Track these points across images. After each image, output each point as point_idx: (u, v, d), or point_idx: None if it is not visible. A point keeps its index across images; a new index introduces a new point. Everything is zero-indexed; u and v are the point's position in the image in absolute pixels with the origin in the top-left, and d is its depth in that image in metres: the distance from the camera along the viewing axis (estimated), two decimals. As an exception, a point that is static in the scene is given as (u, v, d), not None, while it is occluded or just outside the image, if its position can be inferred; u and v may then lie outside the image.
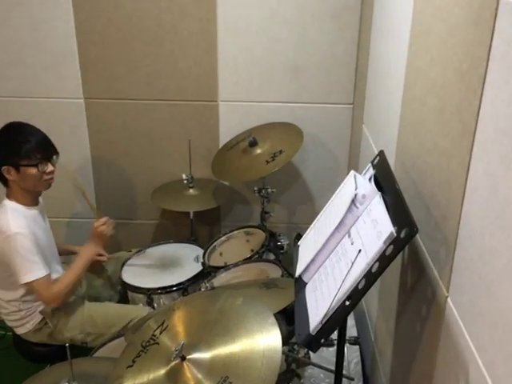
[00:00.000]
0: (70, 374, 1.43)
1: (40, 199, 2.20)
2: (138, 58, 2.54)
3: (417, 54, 1.46)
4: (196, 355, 1.25)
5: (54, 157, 2.10)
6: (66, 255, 2.46)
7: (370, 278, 1.14)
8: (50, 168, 2.07)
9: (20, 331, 2.17)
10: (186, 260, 2.46)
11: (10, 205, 2.05)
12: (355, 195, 1.33)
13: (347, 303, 1.17)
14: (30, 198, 2.11)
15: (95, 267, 2.39)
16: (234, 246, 2.50)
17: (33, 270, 1.99)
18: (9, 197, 2.07)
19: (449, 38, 1.19)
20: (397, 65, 1.67)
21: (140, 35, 2.51)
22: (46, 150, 2.06)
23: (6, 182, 2.07)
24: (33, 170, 2.02)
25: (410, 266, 1.47)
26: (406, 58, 1.55)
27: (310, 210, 2.79)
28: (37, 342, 2.19)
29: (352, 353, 1.99)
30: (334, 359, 1.46)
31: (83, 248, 2.25)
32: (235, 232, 2.54)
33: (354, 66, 2.51)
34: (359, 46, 2.47)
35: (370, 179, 1.37)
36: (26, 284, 2.00)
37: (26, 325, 2.15)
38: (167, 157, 2.73)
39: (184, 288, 2.27)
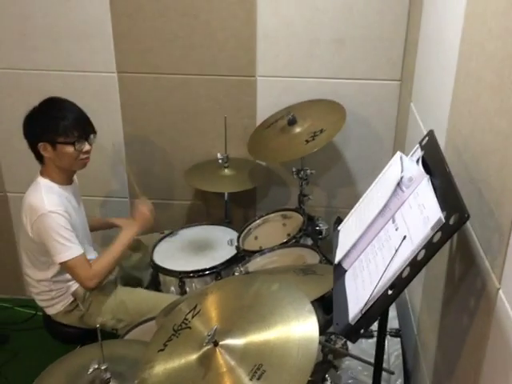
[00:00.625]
0: (100, 356, 1.47)
1: (74, 178, 2.25)
2: (172, 29, 2.56)
3: (473, 25, 1.41)
4: (229, 341, 1.26)
5: (92, 136, 2.14)
6: (104, 229, 2.53)
7: (415, 266, 1.12)
8: (86, 147, 2.11)
9: (50, 311, 2.25)
10: (220, 243, 2.49)
11: (44, 182, 2.11)
12: (401, 178, 1.32)
13: (390, 292, 1.16)
14: (65, 177, 2.16)
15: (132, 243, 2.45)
16: (269, 230, 2.51)
17: (69, 249, 2.05)
18: (43, 174, 2.13)
19: (509, 7, 1.15)
20: (451, 37, 1.62)
21: (175, 5, 2.52)
22: (83, 127, 2.10)
23: (41, 159, 2.12)
24: (69, 149, 2.07)
25: (459, 255, 1.45)
26: (461, 30, 1.50)
27: (351, 193, 2.77)
28: (67, 323, 2.26)
29: (393, 345, 1.99)
30: (374, 351, 1.45)
31: (126, 225, 2.29)
32: (271, 215, 2.55)
33: (404, 38, 2.46)
34: (409, 16, 2.42)
35: (417, 161, 1.35)
36: (62, 264, 2.06)
37: (56, 305, 2.22)
38: (202, 135, 2.75)
39: (217, 272, 2.30)
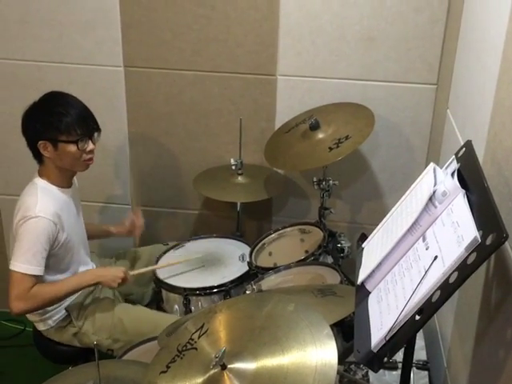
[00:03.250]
0: (95, 377, 1.50)
1: (74, 180, 2.29)
2: (186, 21, 2.60)
3: (519, 26, 1.43)
4: (238, 365, 1.28)
5: (96, 134, 2.18)
6: (100, 238, 2.59)
7: (447, 289, 1.14)
8: (90, 146, 2.15)
9: (41, 327, 2.28)
10: (230, 258, 2.51)
11: (41, 184, 2.14)
12: (434, 192, 1.33)
13: (417, 318, 1.18)
14: (64, 179, 2.20)
15: (130, 256, 2.50)
16: (285, 246, 2.53)
17: (26, 262, 2.04)
18: (41, 175, 2.17)
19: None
20: (493, 38, 1.64)
21: (190, -5, 2.57)
22: (87, 125, 2.13)
23: (40, 159, 2.16)
24: (72, 148, 2.10)
25: (496, 280, 1.46)
26: (506, 31, 1.52)
27: (377, 207, 2.79)
28: (58, 341, 2.28)
29: (419, 379, 1.99)
30: (398, 385, 1.47)
31: (90, 270, 2.33)
32: (288, 229, 2.57)
33: (441, 38, 2.48)
34: (449, 14, 2.44)
35: (452, 174, 1.37)
36: (11, 271, 2.05)
37: (47, 321, 2.25)
38: (214, 138, 2.79)
39: (226, 290, 2.32)
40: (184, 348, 1.40)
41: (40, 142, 2.09)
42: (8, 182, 2.95)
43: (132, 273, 2.31)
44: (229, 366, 1.28)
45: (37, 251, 2.05)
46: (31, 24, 2.68)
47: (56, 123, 2.07)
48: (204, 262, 2.49)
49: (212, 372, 1.29)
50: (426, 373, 2.01)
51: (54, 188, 2.16)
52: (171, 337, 1.53)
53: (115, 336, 2.25)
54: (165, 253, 2.56)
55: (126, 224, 2.55)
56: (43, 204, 2.08)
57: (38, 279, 2.08)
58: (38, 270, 2.06)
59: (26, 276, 2.04)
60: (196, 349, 1.39)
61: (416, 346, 1.43)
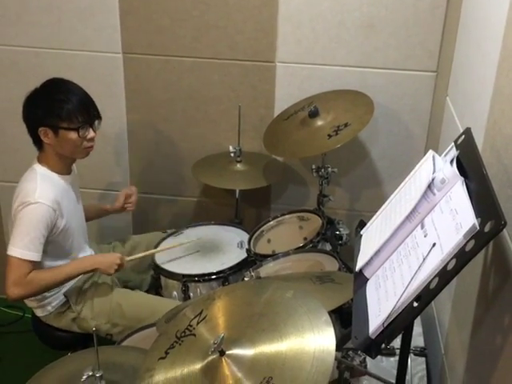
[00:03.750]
0: (94, 363, 1.51)
1: (73, 167, 2.29)
2: (185, 7, 2.59)
3: (519, 13, 1.43)
4: (237, 351, 1.29)
5: (97, 121, 2.18)
6: (100, 216, 2.59)
7: (445, 276, 1.14)
8: (91, 134, 2.15)
9: (40, 313, 2.29)
10: (229, 245, 2.52)
11: (41, 170, 2.15)
12: (433, 179, 1.33)
13: (415, 304, 1.18)
14: (64, 166, 2.20)
15: (129, 242, 2.51)
16: (284, 233, 2.53)
17: (24, 248, 2.04)
18: (40, 161, 2.17)
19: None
20: (494, 25, 1.64)
21: (189, -19, 2.55)
22: (88, 112, 2.13)
23: (40, 145, 2.16)
24: (73, 135, 2.10)
25: (494, 267, 1.46)
26: (506, 17, 1.51)
27: (376, 195, 2.79)
28: (57, 327, 2.29)
29: (416, 365, 2.00)
30: (395, 371, 1.47)
31: (87, 256, 2.33)
32: (287, 216, 2.57)
33: (442, 25, 2.47)
34: (449, 1, 2.42)
35: (451, 162, 1.37)
36: (8, 256, 2.06)
37: (46, 306, 2.26)
38: (213, 125, 2.78)
39: (224, 277, 2.32)
40: (183, 334, 1.41)
41: (41, 129, 2.09)
42: (6, 169, 2.95)
43: (128, 258, 2.32)
44: (227, 352, 1.29)
45: (35, 237, 2.05)
46: (29, 10, 2.67)
47: (57, 110, 2.07)
48: (201, 248, 2.50)
49: (210, 358, 1.30)
50: (424, 359, 2.02)
51: (53, 175, 2.16)
52: (170, 323, 1.54)
53: (114, 321, 2.26)
54: (163, 240, 2.56)
55: (121, 199, 2.52)
56: (43, 190, 2.08)
57: (36, 265, 2.08)
58: (35, 255, 2.07)
59: (23, 261, 2.05)
60: (194, 335, 1.39)
61: (413, 333, 1.44)
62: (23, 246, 2.04)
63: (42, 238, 2.07)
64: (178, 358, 1.36)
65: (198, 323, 1.41)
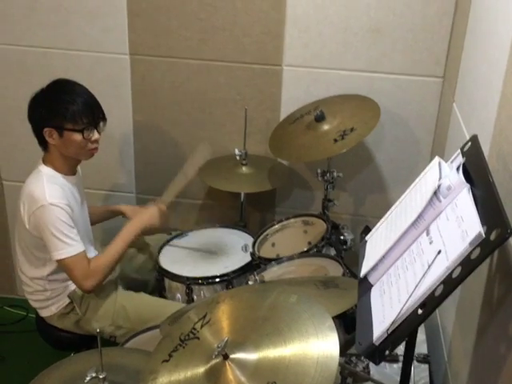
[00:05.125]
0: (98, 364, 1.51)
1: (78, 168, 2.30)
2: (193, 10, 2.60)
3: (528, 21, 1.43)
4: (240, 355, 1.29)
5: (102, 123, 2.19)
6: (105, 219, 2.59)
7: (450, 284, 1.14)
8: (96, 135, 2.16)
9: (44, 314, 2.30)
10: (233, 248, 2.53)
11: (47, 171, 2.16)
12: (439, 186, 1.33)
13: (420, 312, 1.18)
14: (69, 166, 2.22)
15: (136, 241, 2.49)
16: (288, 237, 2.53)
17: (68, 246, 2.10)
18: (45, 162, 2.18)
19: None
20: (501, 32, 1.64)
21: (197, -17, 2.56)
22: (93, 114, 2.14)
23: (45, 146, 2.17)
24: (77, 136, 2.11)
25: (499, 276, 1.46)
26: (514, 26, 1.52)
27: (381, 200, 2.79)
28: (61, 327, 2.30)
29: (420, 372, 2.00)
30: (398, 378, 1.48)
31: (133, 214, 2.39)
32: (291, 220, 2.57)
33: (449, 31, 2.47)
34: (457, 6, 2.43)
35: (457, 169, 1.37)
36: (59, 261, 2.11)
37: (50, 307, 2.27)
38: (219, 127, 2.79)
39: (228, 280, 2.33)
40: (186, 337, 1.41)
41: (45, 129, 2.10)
42: (13, 168, 2.96)
43: (163, 200, 2.42)
44: (231, 356, 1.29)
45: (68, 232, 2.10)
46: (38, 10, 2.68)
47: (62, 111, 2.08)
48: (205, 251, 2.51)
49: (214, 362, 1.30)
50: (427, 366, 2.02)
51: (58, 175, 2.17)
52: (174, 326, 1.54)
53: (118, 323, 2.27)
54: (168, 242, 2.57)
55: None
56: (51, 191, 2.09)
57: (86, 253, 2.16)
58: (80, 245, 2.13)
59: (76, 257, 2.11)
60: (198, 338, 1.40)
61: (417, 339, 1.44)
62: (66, 246, 2.09)
63: (72, 229, 2.12)
64: (181, 361, 1.36)
65: (202, 326, 1.42)
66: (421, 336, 2.11)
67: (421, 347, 2.07)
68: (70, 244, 2.10)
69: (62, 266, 2.14)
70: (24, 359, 2.78)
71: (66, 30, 2.70)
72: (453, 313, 1.96)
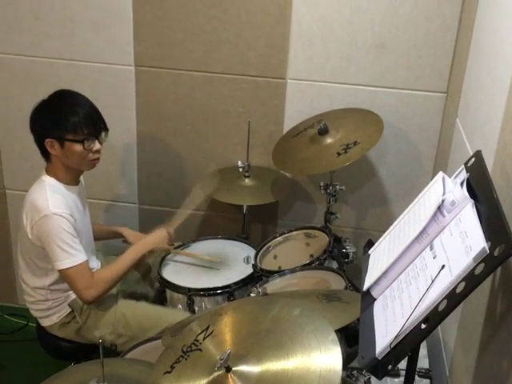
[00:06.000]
0: (100, 374, 1.51)
1: (81, 178, 2.30)
2: (198, 22, 2.61)
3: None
4: (243, 367, 1.29)
5: (103, 134, 2.19)
6: (107, 239, 2.59)
7: (453, 299, 1.14)
8: (97, 146, 2.16)
9: (45, 323, 2.29)
10: (235, 260, 2.52)
11: (50, 181, 2.16)
12: (442, 201, 1.34)
13: (423, 326, 1.18)
14: (72, 177, 2.22)
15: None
16: (291, 249, 2.53)
17: (71, 256, 2.10)
18: (48, 172, 2.19)
19: None
20: (505, 48, 1.65)
21: (203, -4, 2.58)
22: (94, 125, 2.14)
23: (48, 156, 2.17)
24: (78, 147, 2.12)
25: (502, 291, 1.46)
26: (518, 43, 1.53)
27: (383, 214, 2.79)
28: (62, 337, 2.30)
29: (421, 387, 1.99)
30: (400, 392, 1.48)
31: (137, 240, 2.39)
32: (294, 233, 2.57)
33: (453, 47, 2.48)
34: (460, 23, 2.44)
35: (461, 184, 1.37)
36: (62, 271, 2.11)
37: (51, 317, 2.27)
38: (222, 139, 2.80)
39: (230, 292, 2.32)
40: (189, 349, 1.41)
41: (47, 140, 2.11)
42: (16, 177, 2.96)
43: (172, 223, 2.48)
44: (233, 369, 1.29)
45: (71, 242, 2.10)
46: (43, 20, 2.70)
47: (63, 122, 2.09)
48: (207, 263, 2.50)
49: (216, 374, 1.30)
50: (428, 381, 2.01)
51: (61, 186, 2.18)
52: (176, 337, 1.54)
53: (118, 331, 2.26)
54: (170, 253, 2.56)
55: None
56: (54, 201, 2.10)
57: (88, 264, 2.17)
58: (83, 255, 2.13)
59: (79, 266, 2.11)
60: (201, 350, 1.40)
61: (419, 354, 1.44)
62: (69, 256, 2.09)
63: (76, 239, 2.12)
64: (183, 373, 1.36)
65: (204, 338, 1.42)
66: (422, 351, 2.11)
67: (422, 362, 2.06)
68: (72, 254, 2.10)
69: (64, 276, 2.13)
70: (24, 369, 2.77)
71: (72, 41, 2.72)
72: (455, 328, 1.96)
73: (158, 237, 2.39)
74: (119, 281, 2.26)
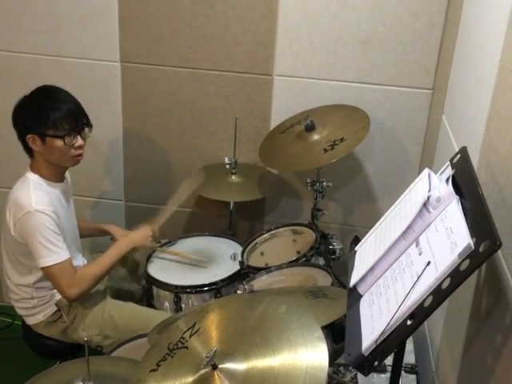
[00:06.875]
0: (85, 373, 1.50)
1: (66, 174, 2.29)
2: (184, 18, 2.60)
3: (517, 35, 1.44)
4: (229, 365, 1.29)
5: (86, 129, 2.17)
6: (92, 236, 2.57)
7: (439, 295, 1.15)
8: (79, 142, 2.14)
9: (30, 321, 2.28)
10: (222, 257, 2.52)
11: (33, 178, 2.14)
12: (428, 197, 1.34)
13: (409, 322, 1.19)
14: (55, 173, 2.20)
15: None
16: (277, 246, 2.53)
17: (53, 254, 2.08)
18: (32, 169, 2.17)
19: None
20: (491, 46, 1.65)
21: (189, -8, 2.57)
22: (76, 120, 2.13)
23: (31, 152, 2.16)
24: (59, 142, 2.10)
25: (487, 287, 1.47)
26: (504, 38, 1.53)
27: (370, 210, 2.80)
28: (48, 336, 2.28)
29: (407, 382, 1.99)
30: (386, 388, 1.48)
31: (121, 236, 2.39)
32: (280, 229, 2.58)
33: (438, 44, 2.49)
34: (446, 20, 2.45)
35: (447, 180, 1.38)
36: (44, 268, 2.10)
37: (37, 315, 2.25)
38: (209, 136, 2.79)
39: (217, 289, 2.32)
40: (175, 347, 1.41)
41: (28, 136, 2.10)
42: (1, 174, 2.93)
43: (156, 222, 2.47)
44: (219, 366, 1.29)
45: (53, 239, 2.08)
46: (28, 16, 2.68)
47: (44, 117, 2.07)
48: (194, 260, 2.50)
49: (203, 371, 1.30)
50: (414, 376, 2.02)
51: (45, 183, 2.16)
52: (162, 335, 1.53)
53: (105, 332, 2.25)
54: (156, 250, 2.56)
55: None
56: (37, 198, 2.08)
57: (71, 262, 2.15)
58: (66, 253, 2.12)
59: (62, 264, 2.09)
60: (187, 348, 1.39)
61: (405, 349, 1.44)
62: (51, 253, 2.08)
63: (59, 236, 2.11)
64: (169, 371, 1.36)
65: (190, 336, 1.41)
66: (408, 346, 2.11)
67: (408, 357, 2.07)
68: (55, 251, 2.08)
69: (47, 273, 2.12)
70: (9, 367, 2.75)
71: (57, 37, 2.70)
72: (441, 323, 1.97)
73: (141, 235, 2.39)
74: (102, 278, 2.24)
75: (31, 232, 2.06)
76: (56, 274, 2.10)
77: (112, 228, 2.55)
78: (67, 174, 2.30)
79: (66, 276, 2.11)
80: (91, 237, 2.59)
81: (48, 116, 2.07)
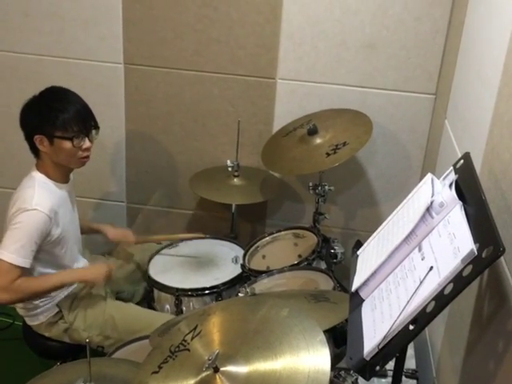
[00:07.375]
0: (86, 374, 1.50)
1: (71, 176, 2.28)
2: (188, 21, 2.61)
3: (521, 41, 1.44)
4: (231, 368, 1.29)
5: (94, 131, 2.18)
6: (88, 234, 2.55)
7: (441, 301, 1.15)
8: (86, 144, 2.15)
9: (31, 322, 2.27)
10: (223, 260, 2.52)
11: (39, 178, 2.14)
12: (431, 202, 1.34)
13: (411, 327, 1.18)
14: (61, 174, 2.20)
15: (122, 253, 2.50)
16: (279, 249, 2.53)
17: (15, 253, 2.01)
18: (38, 168, 2.17)
19: None
20: (495, 51, 1.66)
21: (193, -5, 2.57)
22: (84, 122, 2.13)
23: (37, 153, 2.16)
24: (67, 144, 2.10)
25: (489, 293, 1.47)
26: (508, 43, 1.53)
27: (372, 215, 2.80)
28: (49, 336, 2.27)
29: (408, 388, 2.00)
30: (387, 393, 1.48)
31: (73, 269, 2.30)
32: (282, 233, 2.57)
33: (442, 49, 2.50)
34: (450, 24, 2.45)
35: (450, 185, 1.38)
36: None
37: (39, 316, 2.24)
38: (212, 138, 2.79)
39: (218, 292, 2.32)
40: (177, 349, 1.40)
41: (36, 136, 2.10)
42: (4, 175, 2.94)
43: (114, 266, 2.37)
44: (221, 369, 1.29)
45: (27, 243, 2.04)
46: (33, 17, 2.69)
47: (52, 119, 2.07)
48: (195, 262, 2.50)
49: (204, 374, 1.30)
50: (415, 381, 2.02)
51: (51, 183, 2.16)
52: (164, 337, 1.53)
53: (106, 333, 2.25)
54: (158, 252, 2.56)
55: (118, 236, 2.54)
56: (40, 198, 2.07)
57: (24, 272, 2.06)
58: (25, 262, 2.04)
59: (13, 267, 2.02)
60: (189, 350, 1.39)
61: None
62: (14, 251, 2.02)
63: (35, 245, 2.06)
64: (171, 373, 1.36)
65: (192, 338, 1.41)
66: (409, 351, 2.11)
67: (409, 362, 2.07)
68: (18, 252, 2.02)
69: None
70: (9, 368, 2.75)
71: (61, 38, 2.70)
72: (442, 329, 1.97)
73: (96, 271, 2.25)
74: (36, 297, 2.16)
75: (17, 224, 2.03)
76: (0, 271, 2.03)
77: (104, 227, 2.54)
78: (71, 175, 2.30)
79: (5, 279, 2.02)
80: (86, 234, 2.57)
81: (57, 117, 2.08)
